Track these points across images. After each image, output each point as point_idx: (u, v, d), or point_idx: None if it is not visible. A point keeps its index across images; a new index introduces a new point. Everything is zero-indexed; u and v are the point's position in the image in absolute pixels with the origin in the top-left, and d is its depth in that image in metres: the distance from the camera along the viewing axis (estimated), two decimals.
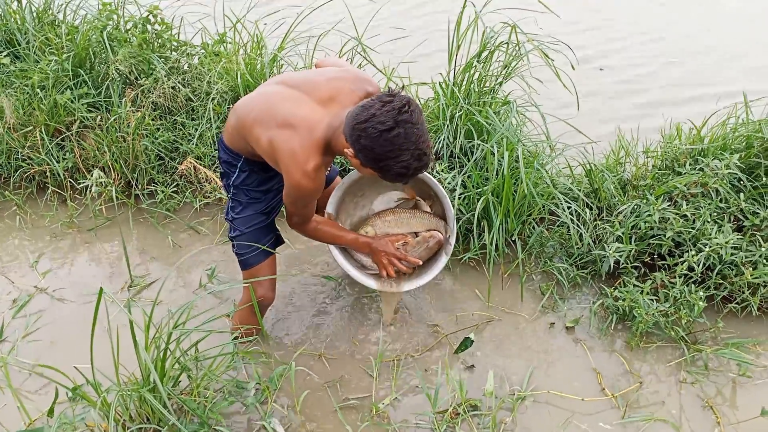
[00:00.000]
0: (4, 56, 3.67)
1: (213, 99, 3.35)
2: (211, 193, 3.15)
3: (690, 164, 2.84)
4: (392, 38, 3.76)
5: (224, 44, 3.72)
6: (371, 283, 2.38)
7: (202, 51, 3.72)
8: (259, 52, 3.55)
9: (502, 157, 2.76)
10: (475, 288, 2.80)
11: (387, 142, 1.80)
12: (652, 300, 2.47)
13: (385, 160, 1.84)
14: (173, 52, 3.70)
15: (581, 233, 2.76)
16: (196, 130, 3.34)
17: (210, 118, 3.31)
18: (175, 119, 3.42)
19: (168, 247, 3.06)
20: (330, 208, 2.44)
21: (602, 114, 4.08)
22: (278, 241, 2.45)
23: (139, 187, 3.28)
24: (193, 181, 3.25)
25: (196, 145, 3.28)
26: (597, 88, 4.50)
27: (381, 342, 2.53)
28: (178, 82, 3.44)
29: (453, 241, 2.35)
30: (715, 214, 2.63)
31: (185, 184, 3.27)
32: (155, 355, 1.96)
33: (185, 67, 3.65)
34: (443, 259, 2.35)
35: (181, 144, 3.33)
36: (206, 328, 2.11)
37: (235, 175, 2.29)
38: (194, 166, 3.14)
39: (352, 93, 2.06)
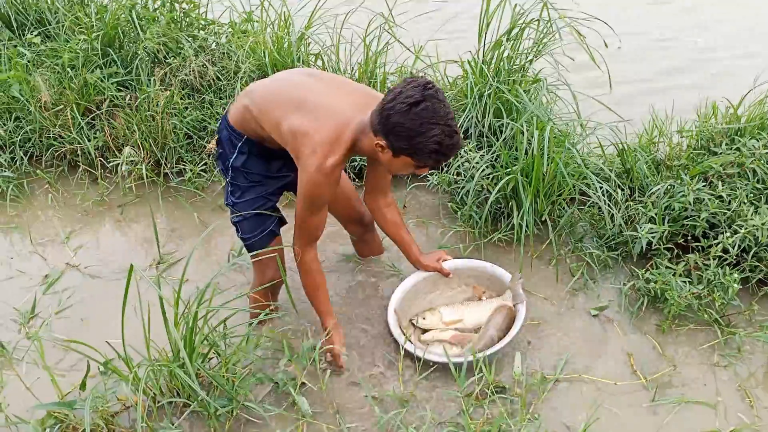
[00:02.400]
0: (35, 36, 3.71)
1: (241, 78, 3.35)
2: None
3: (726, 144, 2.76)
4: (420, 14, 3.70)
5: (251, 23, 3.72)
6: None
7: (230, 30, 3.72)
8: (286, 30, 3.53)
9: (532, 137, 2.71)
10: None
11: (416, 115, 1.81)
12: (684, 282, 2.42)
13: (417, 137, 1.83)
14: (201, 31, 3.71)
15: (612, 214, 2.71)
16: (224, 108, 3.34)
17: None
18: (203, 98, 3.43)
19: (196, 225, 3.08)
20: (394, 304, 2.46)
21: (636, 92, 3.98)
22: (282, 221, 2.42)
23: (168, 165, 3.30)
24: None
25: None
26: (631, 66, 4.39)
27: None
28: (207, 61, 3.45)
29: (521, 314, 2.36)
30: (752, 195, 2.55)
31: (213, 162, 3.28)
32: (184, 331, 1.98)
33: (213, 46, 3.66)
34: (512, 332, 2.31)
35: (209, 123, 3.33)
36: (233, 305, 2.13)
37: (233, 156, 2.23)
38: None
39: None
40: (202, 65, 3.41)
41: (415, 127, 1.82)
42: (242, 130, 2.20)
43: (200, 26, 3.73)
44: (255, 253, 2.32)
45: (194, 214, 3.12)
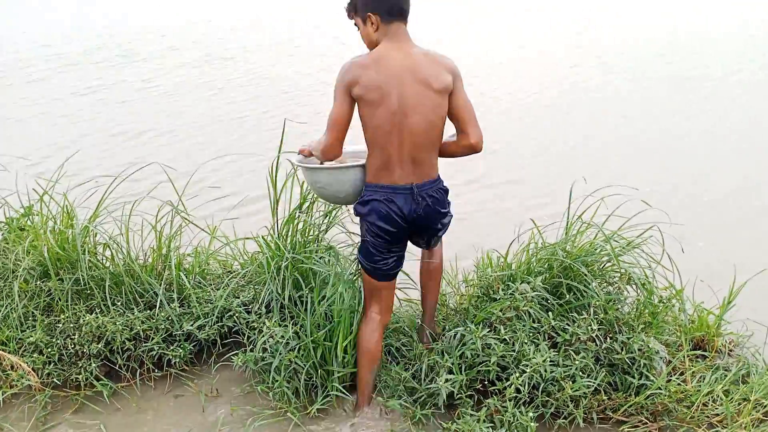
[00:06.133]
0: None
1: (19, 276, 3.10)
2: (17, 381, 2.81)
3: (503, 289, 3.05)
4: (212, 198, 3.79)
5: (31, 217, 3.52)
6: None
7: (6, 227, 3.49)
8: (69, 223, 3.38)
9: (333, 303, 2.80)
10: None
11: None
12: (489, 428, 2.53)
13: None
14: None
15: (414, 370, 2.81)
16: None
17: (15, 297, 3.03)
18: None
19: None
20: None
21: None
22: None
23: None
24: None
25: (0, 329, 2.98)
26: None
27: None
28: None
29: None
30: (531, 334, 2.82)
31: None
32: None
33: None
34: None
35: None
36: None
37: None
38: None
39: None
40: None
41: None
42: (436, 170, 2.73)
43: None
44: None
45: None
